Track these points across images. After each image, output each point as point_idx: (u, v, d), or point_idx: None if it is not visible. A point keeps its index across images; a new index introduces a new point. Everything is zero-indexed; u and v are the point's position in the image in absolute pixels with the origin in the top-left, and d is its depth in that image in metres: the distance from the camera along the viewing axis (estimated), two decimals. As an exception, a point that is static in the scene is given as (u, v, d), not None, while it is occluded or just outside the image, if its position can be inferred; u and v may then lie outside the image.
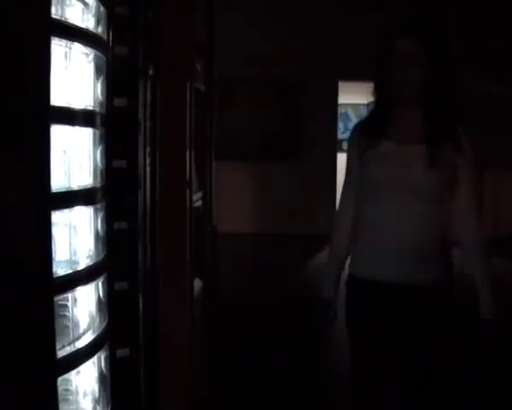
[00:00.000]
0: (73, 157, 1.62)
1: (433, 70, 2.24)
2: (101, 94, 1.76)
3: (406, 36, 2.25)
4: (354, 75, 8.05)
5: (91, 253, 1.72)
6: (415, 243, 2.24)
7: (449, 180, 2.26)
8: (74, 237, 1.64)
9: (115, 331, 1.86)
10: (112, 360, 1.84)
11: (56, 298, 1.51)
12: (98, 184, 1.73)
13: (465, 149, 2.27)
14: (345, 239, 2.45)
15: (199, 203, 3.04)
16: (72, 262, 1.62)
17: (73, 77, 1.61)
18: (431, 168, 2.20)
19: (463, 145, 2.27)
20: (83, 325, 1.69)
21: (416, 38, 2.24)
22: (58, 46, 1.52)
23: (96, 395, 1.79)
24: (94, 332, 1.71)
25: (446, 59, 2.30)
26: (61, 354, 1.52)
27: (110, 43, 1.86)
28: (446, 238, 2.33)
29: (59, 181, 1.53)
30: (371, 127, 2.36)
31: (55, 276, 1.47)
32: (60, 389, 1.54)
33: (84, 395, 1.74)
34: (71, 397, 1.68)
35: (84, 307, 1.69)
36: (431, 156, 2.21)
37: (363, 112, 11.23)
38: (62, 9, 1.54)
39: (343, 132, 11.01)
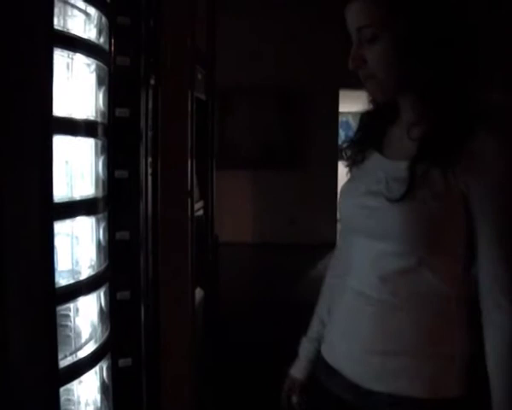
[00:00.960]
0: (75, 167, 1.63)
1: (412, 41, 1.33)
2: (103, 104, 1.77)
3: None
4: (355, 83, 8.06)
5: (93, 263, 1.72)
6: (380, 333, 1.39)
7: (450, 220, 1.32)
8: (76, 247, 1.65)
9: (117, 341, 1.86)
10: (114, 370, 1.84)
11: (58, 308, 1.51)
12: (100, 194, 1.74)
13: (488, 162, 1.27)
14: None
15: (200, 213, 3.05)
16: (74, 272, 1.63)
17: (75, 87, 1.62)
18: (408, 199, 1.30)
19: (484, 156, 1.28)
20: (85, 334, 1.69)
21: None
22: (60, 57, 1.53)
23: (98, 404, 1.79)
24: (96, 342, 1.71)
25: (439, 19, 1.34)
26: (63, 363, 1.52)
27: (112, 54, 1.87)
28: (449, 320, 1.37)
29: (61, 191, 1.54)
30: (360, 136, 1.58)
31: (57, 286, 1.48)
32: (62, 399, 1.54)
33: (86, 404, 1.74)
34: (73, 407, 1.69)
35: (86, 317, 1.70)
36: (411, 179, 1.31)
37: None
38: (64, 20, 1.56)
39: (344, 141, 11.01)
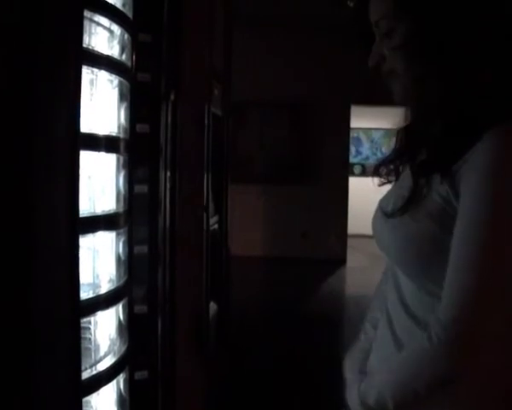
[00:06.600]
0: (97, 182, 1.64)
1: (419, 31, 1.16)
2: (125, 120, 1.78)
3: None
4: (366, 99, 8.08)
5: (113, 277, 1.73)
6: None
7: (445, 241, 1.08)
8: (97, 261, 1.66)
9: (134, 354, 1.87)
10: (130, 382, 1.85)
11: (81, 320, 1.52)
12: (121, 209, 1.74)
13: (477, 161, 1.06)
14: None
15: (215, 227, 3.06)
16: (94, 285, 1.64)
17: (99, 103, 1.64)
18: (398, 216, 1.17)
19: (477, 158, 1.06)
20: (103, 348, 1.70)
21: None
22: (85, 73, 1.55)
23: (115, 417, 1.79)
24: (114, 355, 1.72)
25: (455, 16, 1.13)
26: (83, 376, 1.53)
27: (133, 70, 1.88)
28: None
29: (83, 206, 1.55)
30: (395, 153, 1.38)
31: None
32: (81, 411, 1.55)
33: (104, 417, 1.75)
34: (91, 419, 1.69)
35: (105, 331, 1.70)
36: (411, 194, 1.17)
37: (375, 136, 11.32)
38: (89, 38, 1.58)
39: (355, 156, 11.08)
